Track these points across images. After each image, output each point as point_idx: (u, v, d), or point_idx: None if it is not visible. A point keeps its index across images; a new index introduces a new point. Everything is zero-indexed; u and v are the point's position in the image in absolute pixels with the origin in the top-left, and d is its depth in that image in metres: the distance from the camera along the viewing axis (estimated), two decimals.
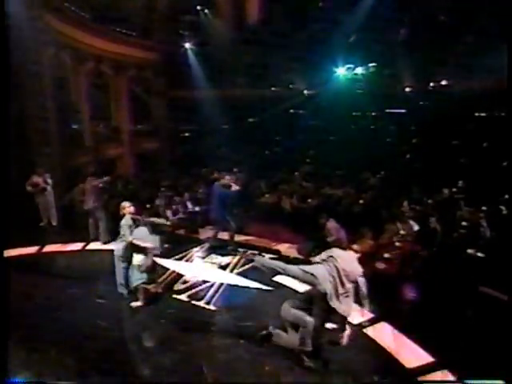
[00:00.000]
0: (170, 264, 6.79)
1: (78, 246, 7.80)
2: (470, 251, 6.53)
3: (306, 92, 15.74)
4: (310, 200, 9.64)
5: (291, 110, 16.13)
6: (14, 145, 9.29)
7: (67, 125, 11.91)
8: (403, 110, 14.77)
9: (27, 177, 8.80)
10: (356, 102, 14.10)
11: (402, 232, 7.20)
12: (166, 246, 7.56)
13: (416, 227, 7.04)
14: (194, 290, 5.84)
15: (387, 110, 14.69)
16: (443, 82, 13.38)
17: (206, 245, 7.76)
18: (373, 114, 15.02)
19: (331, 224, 7.36)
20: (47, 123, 10.15)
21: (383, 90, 13.91)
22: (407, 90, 14.07)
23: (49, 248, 7.73)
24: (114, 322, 5.05)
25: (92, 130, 12.79)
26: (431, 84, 13.55)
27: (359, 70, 13.96)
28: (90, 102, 12.65)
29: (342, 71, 14.03)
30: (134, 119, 14.42)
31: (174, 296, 5.70)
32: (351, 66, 13.92)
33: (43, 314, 5.28)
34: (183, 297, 5.70)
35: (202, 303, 5.52)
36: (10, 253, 7.22)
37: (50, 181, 8.95)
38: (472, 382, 3.51)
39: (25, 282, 6.15)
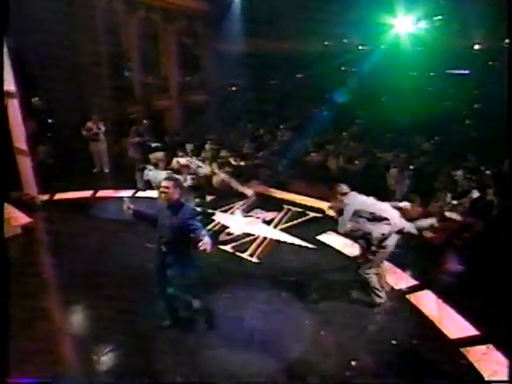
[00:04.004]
0: (216, 215, 7.00)
1: (128, 192, 8.14)
2: None
3: (360, 47, 14.84)
4: (356, 162, 9.36)
5: (343, 68, 15.34)
6: (70, 92, 9.68)
7: (120, 73, 12.11)
8: (467, 71, 13.57)
9: (83, 124, 9.22)
10: (415, 60, 13.09)
11: (453, 202, 6.90)
12: (212, 197, 7.76)
13: (476, 194, 6.69)
14: (238, 242, 5.99)
15: (448, 71, 13.57)
16: None
17: (251, 199, 7.83)
18: (431, 74, 13.96)
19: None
20: (100, 69, 10.36)
21: (448, 47, 12.73)
22: (476, 47, 12.77)
23: (102, 193, 8.17)
24: None
25: (142, 80, 12.91)
26: (506, 41, 11.97)
27: (422, 25, 12.80)
28: (141, 53, 12.67)
29: (402, 25, 12.94)
30: (183, 71, 14.36)
31: (219, 246, 5.87)
32: (413, 19, 12.79)
33: (95, 253, 5.67)
34: (228, 248, 5.87)
35: (245, 255, 5.67)
36: (67, 195, 7.81)
37: (102, 128, 9.30)
38: None
39: (79, 224, 6.63)
